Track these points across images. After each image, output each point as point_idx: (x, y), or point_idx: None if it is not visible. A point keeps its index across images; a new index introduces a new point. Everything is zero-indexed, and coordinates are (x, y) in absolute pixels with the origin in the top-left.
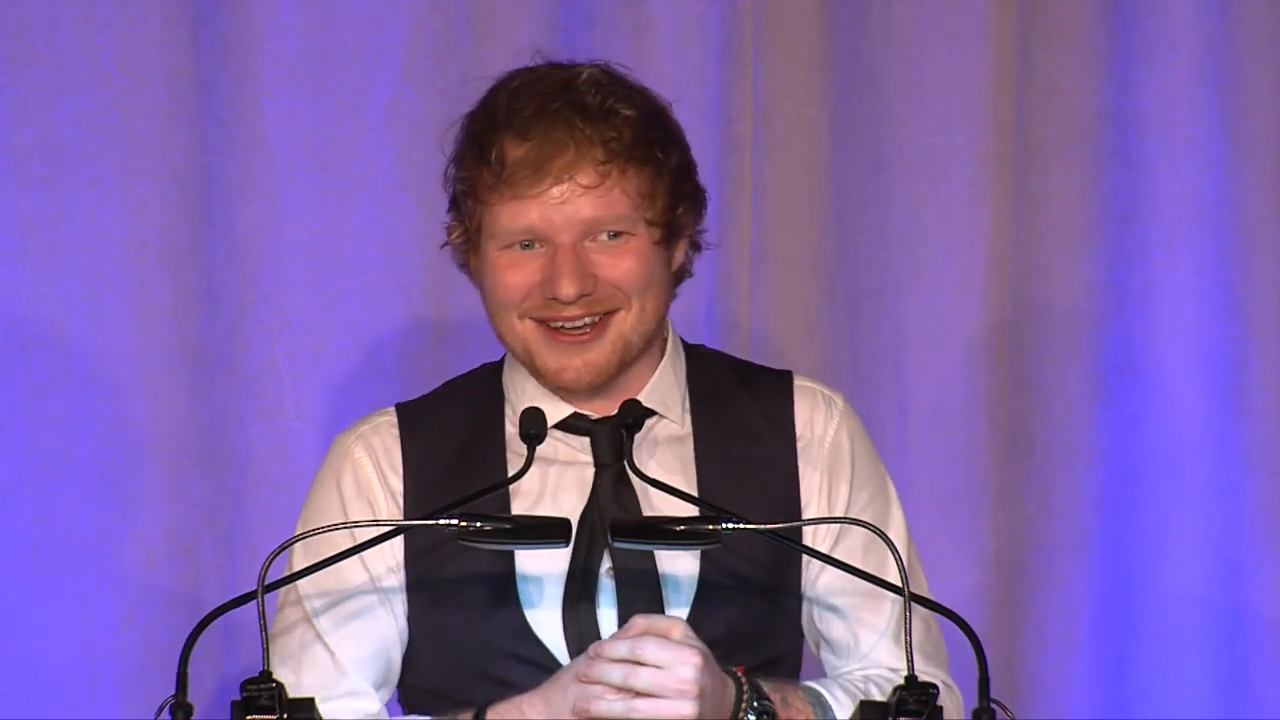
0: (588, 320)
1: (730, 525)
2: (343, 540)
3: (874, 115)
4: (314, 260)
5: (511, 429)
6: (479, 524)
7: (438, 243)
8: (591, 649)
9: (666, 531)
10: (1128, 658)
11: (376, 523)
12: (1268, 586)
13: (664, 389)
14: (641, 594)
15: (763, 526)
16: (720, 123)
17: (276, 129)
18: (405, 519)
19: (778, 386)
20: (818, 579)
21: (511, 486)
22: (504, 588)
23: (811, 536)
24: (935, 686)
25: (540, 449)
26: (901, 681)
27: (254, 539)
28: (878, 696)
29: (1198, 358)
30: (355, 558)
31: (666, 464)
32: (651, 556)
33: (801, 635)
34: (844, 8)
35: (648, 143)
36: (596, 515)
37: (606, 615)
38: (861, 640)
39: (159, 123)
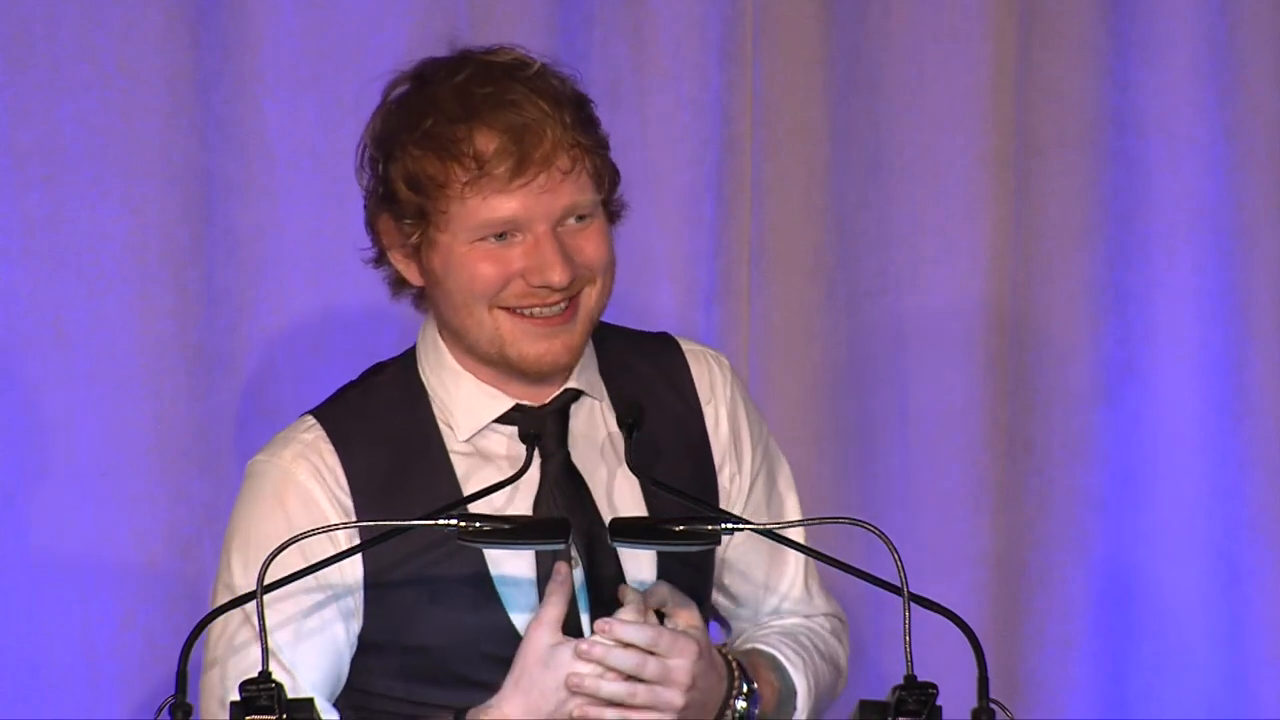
0: (564, 304)
1: (729, 525)
2: (312, 548)
3: (874, 115)
4: (314, 260)
5: (446, 429)
6: (478, 524)
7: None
8: (598, 625)
9: (666, 532)
10: (1128, 658)
11: (375, 524)
12: (1268, 586)
13: (588, 370)
14: (608, 595)
15: (760, 525)
16: (720, 123)
17: (276, 129)
18: (363, 535)
19: (669, 352)
20: (730, 542)
21: (461, 484)
22: (482, 591)
23: (728, 486)
24: (934, 686)
25: (483, 444)
26: (816, 626)
27: None
28: (807, 644)
29: (1198, 358)
30: (314, 582)
31: (599, 442)
32: (618, 560)
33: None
34: (844, 8)
35: (594, 123)
36: (550, 504)
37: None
38: (769, 597)
39: (159, 123)
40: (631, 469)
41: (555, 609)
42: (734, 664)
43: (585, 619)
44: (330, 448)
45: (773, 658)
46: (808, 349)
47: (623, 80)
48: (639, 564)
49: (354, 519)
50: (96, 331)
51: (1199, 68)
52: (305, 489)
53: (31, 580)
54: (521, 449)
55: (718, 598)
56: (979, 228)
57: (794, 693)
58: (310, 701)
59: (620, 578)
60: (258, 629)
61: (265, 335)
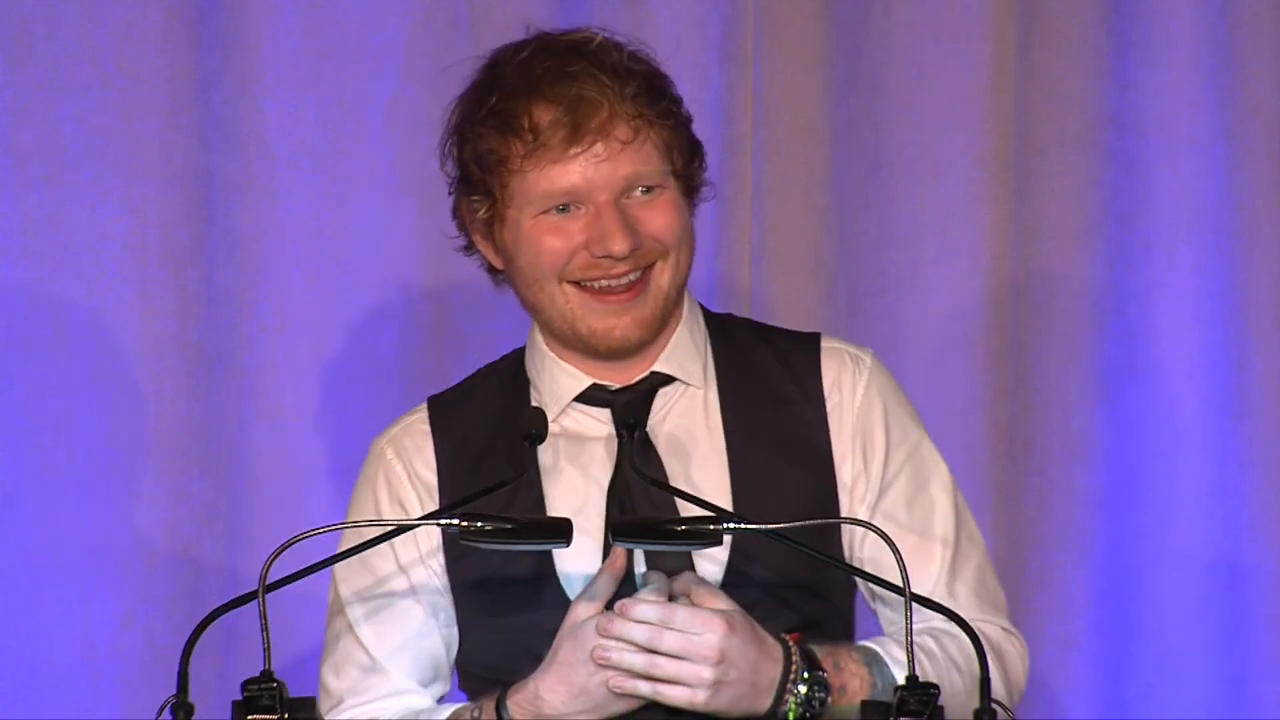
0: (631, 277)
1: (731, 525)
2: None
3: (874, 115)
4: (314, 260)
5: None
6: (479, 524)
7: (437, 242)
8: (617, 606)
9: (668, 531)
10: (1128, 658)
11: (375, 523)
12: (1268, 586)
13: (682, 353)
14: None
15: (763, 526)
16: (720, 123)
17: (276, 129)
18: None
19: (804, 348)
20: (864, 539)
21: (541, 464)
22: (545, 570)
23: (851, 485)
24: (936, 686)
25: (569, 424)
26: (953, 629)
27: (254, 539)
28: (934, 648)
29: (1198, 358)
30: (394, 560)
31: (697, 432)
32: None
33: (850, 592)
34: (844, 8)
35: (664, 97)
36: (624, 485)
37: None
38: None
39: (159, 123)
40: (633, 469)
41: (599, 588)
42: (794, 645)
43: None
44: (427, 429)
45: (873, 653)
46: None
47: None
48: (708, 554)
49: (435, 497)
50: (96, 331)
51: (1199, 68)
52: (391, 468)
53: (31, 580)
54: (602, 425)
55: (873, 603)
56: (979, 228)
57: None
58: (311, 701)
59: (682, 565)
60: (260, 629)
61: (265, 335)
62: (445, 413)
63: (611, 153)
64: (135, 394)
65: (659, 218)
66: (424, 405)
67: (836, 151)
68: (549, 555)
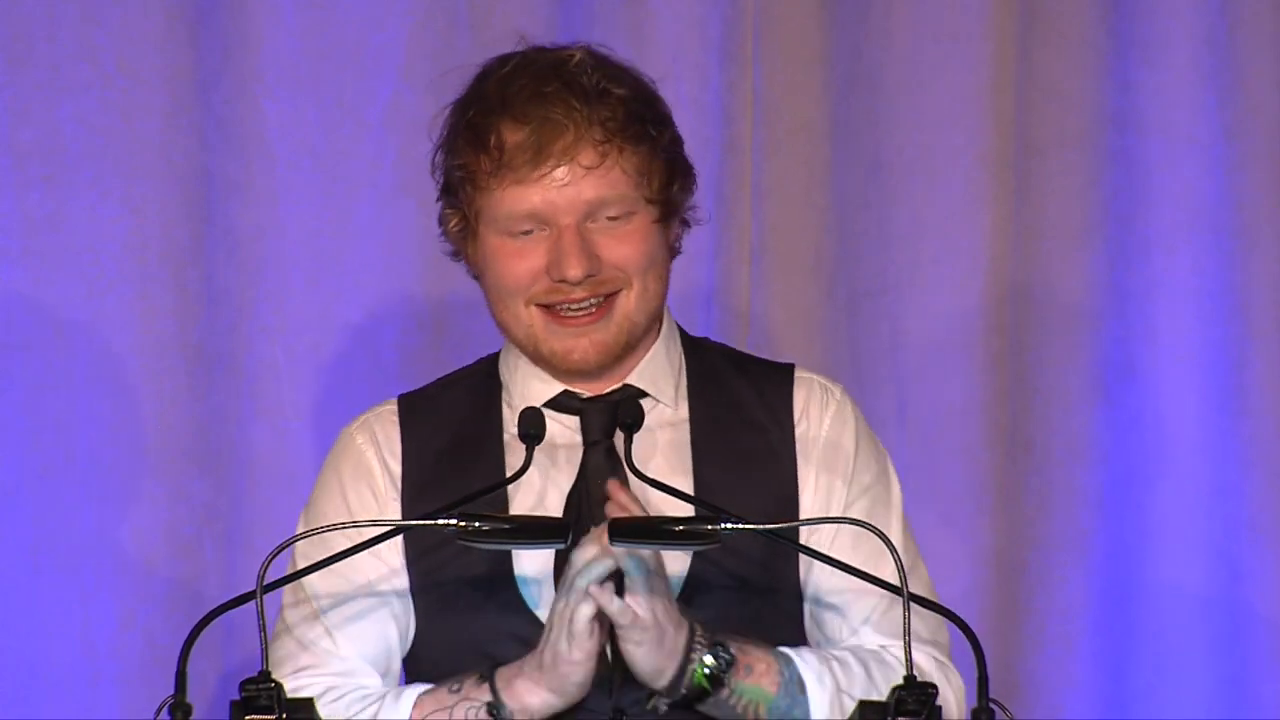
0: (592, 302)
1: (729, 525)
2: (344, 540)
3: (874, 115)
4: (314, 260)
5: (509, 414)
6: (477, 524)
7: (438, 242)
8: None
9: (665, 531)
10: (1127, 657)
11: (376, 523)
12: (1268, 586)
13: (655, 370)
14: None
15: (760, 526)
16: (720, 123)
17: (276, 129)
18: (404, 505)
19: (778, 377)
20: (810, 576)
21: (507, 466)
22: (503, 573)
23: (808, 532)
24: (934, 686)
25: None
26: (882, 653)
27: (254, 539)
28: (854, 666)
29: (1198, 358)
30: (361, 558)
31: (661, 449)
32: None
33: (801, 630)
34: (844, 8)
35: (641, 121)
36: (584, 493)
37: None
38: (846, 631)
39: (159, 123)
40: (630, 468)
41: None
42: (696, 626)
43: (585, 609)
44: (395, 420)
45: (784, 654)
46: (808, 349)
47: None
48: (670, 563)
49: (399, 487)
50: (96, 331)
51: (1199, 68)
52: (359, 453)
53: (31, 580)
54: (570, 433)
55: (811, 629)
56: (979, 228)
57: (801, 685)
58: (310, 702)
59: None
60: (258, 628)
61: (265, 335)
62: (414, 408)
63: (574, 177)
64: (135, 394)
65: (623, 247)
66: (394, 400)
67: (836, 151)
68: (508, 559)
